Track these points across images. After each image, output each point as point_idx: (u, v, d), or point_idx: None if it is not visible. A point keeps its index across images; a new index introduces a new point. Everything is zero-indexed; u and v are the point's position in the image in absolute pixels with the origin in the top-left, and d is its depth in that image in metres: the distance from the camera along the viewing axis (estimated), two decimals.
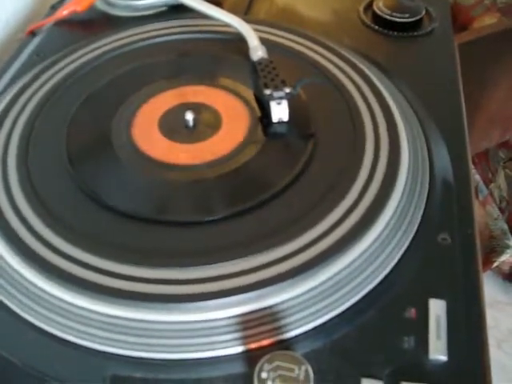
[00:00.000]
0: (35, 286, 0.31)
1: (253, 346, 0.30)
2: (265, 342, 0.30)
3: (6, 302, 0.32)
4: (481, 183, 1.00)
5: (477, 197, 1.01)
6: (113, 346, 0.30)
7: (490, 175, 0.98)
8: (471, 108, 0.77)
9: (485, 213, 1.00)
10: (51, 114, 0.41)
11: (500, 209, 0.98)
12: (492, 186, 0.98)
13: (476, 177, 1.00)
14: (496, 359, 0.94)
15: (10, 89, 0.43)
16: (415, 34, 0.51)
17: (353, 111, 0.39)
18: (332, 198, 0.34)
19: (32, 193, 0.35)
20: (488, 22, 0.81)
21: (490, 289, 1.04)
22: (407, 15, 0.52)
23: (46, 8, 0.54)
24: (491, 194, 0.99)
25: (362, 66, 0.43)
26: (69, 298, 0.31)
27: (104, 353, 0.30)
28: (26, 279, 0.32)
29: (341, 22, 0.53)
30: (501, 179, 0.96)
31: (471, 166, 0.40)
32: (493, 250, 1.01)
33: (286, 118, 0.38)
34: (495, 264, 1.02)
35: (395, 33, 0.51)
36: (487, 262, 1.02)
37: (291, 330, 0.30)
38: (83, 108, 0.40)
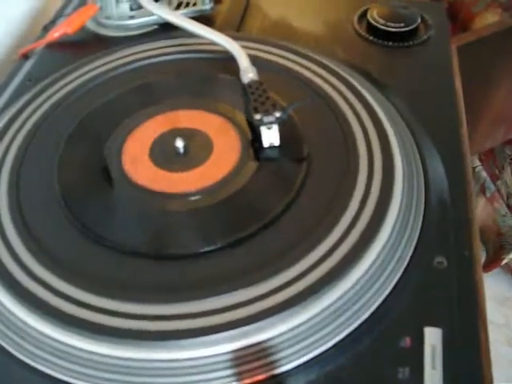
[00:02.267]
0: (27, 324, 0.31)
1: (247, 381, 0.29)
2: (259, 377, 0.30)
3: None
4: (488, 180, 0.99)
5: (484, 194, 1.00)
6: None
7: (497, 172, 0.97)
8: (474, 108, 0.76)
9: (493, 210, 1.00)
10: (41, 144, 0.40)
11: (508, 206, 0.97)
12: (499, 182, 0.97)
13: (483, 173, 0.99)
14: (506, 356, 0.94)
15: (1, 117, 0.43)
16: (411, 43, 0.50)
17: (346, 131, 0.39)
18: (325, 225, 0.33)
19: (24, 229, 0.35)
20: (490, 18, 0.79)
21: (500, 286, 1.04)
22: (402, 24, 0.51)
23: (38, 29, 0.54)
24: (498, 190, 0.97)
25: (355, 83, 0.42)
26: (61, 338, 0.30)
27: None
28: (18, 317, 0.32)
29: (335, 33, 0.52)
30: (507, 176, 0.95)
31: (472, 182, 0.40)
32: (502, 247, 1.00)
33: (277, 143, 0.38)
34: (504, 261, 1.02)
35: (390, 43, 0.50)
36: (496, 260, 1.01)
37: (285, 363, 0.30)
38: (70, 142, 0.40)
